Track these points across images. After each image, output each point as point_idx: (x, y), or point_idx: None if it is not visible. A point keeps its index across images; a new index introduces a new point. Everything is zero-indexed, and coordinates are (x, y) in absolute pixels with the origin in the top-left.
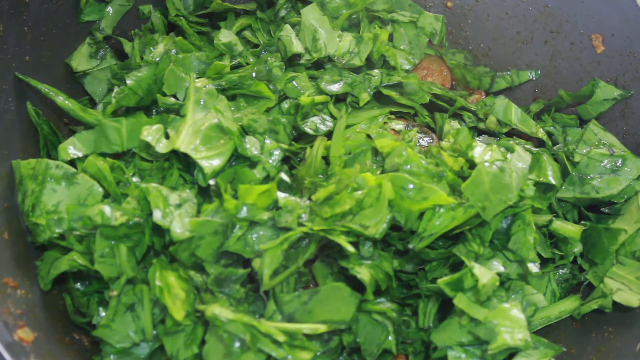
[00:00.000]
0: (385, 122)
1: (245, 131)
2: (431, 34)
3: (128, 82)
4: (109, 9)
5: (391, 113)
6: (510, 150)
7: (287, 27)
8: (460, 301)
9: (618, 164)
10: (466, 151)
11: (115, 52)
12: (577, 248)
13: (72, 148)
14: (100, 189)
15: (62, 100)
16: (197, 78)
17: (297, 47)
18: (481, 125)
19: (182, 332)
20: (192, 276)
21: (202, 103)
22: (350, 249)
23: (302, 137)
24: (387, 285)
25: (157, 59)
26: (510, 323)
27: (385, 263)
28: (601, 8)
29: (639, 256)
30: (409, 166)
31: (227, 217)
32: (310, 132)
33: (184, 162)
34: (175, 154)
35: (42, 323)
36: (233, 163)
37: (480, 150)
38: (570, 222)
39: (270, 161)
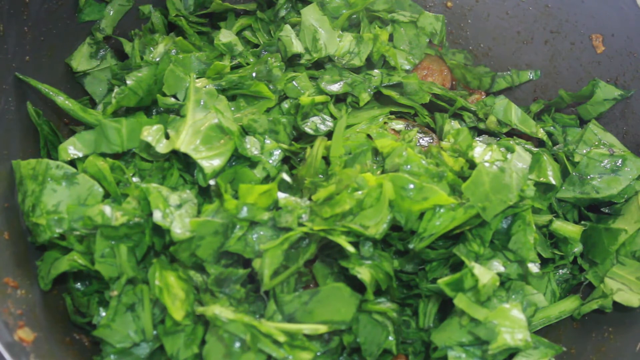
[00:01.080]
0: (385, 122)
1: (245, 131)
2: (431, 34)
3: (128, 82)
4: (109, 9)
5: (391, 113)
6: (510, 150)
7: (287, 27)
8: (461, 301)
9: (618, 164)
10: (466, 151)
11: (116, 52)
12: (577, 248)
13: (72, 148)
14: (101, 189)
15: (62, 100)
16: (197, 78)
17: (297, 47)
18: (481, 125)
19: (182, 332)
20: (192, 276)
21: (202, 103)
22: (351, 249)
23: (302, 137)
24: (388, 285)
25: (157, 59)
26: (511, 323)
27: (385, 263)
28: (601, 8)
29: (639, 256)
30: (409, 166)
31: (227, 217)
32: (311, 132)
33: (184, 162)
34: (175, 154)
35: (42, 323)
36: (233, 163)
37: (481, 151)
38: (570, 222)
39: (271, 161)
